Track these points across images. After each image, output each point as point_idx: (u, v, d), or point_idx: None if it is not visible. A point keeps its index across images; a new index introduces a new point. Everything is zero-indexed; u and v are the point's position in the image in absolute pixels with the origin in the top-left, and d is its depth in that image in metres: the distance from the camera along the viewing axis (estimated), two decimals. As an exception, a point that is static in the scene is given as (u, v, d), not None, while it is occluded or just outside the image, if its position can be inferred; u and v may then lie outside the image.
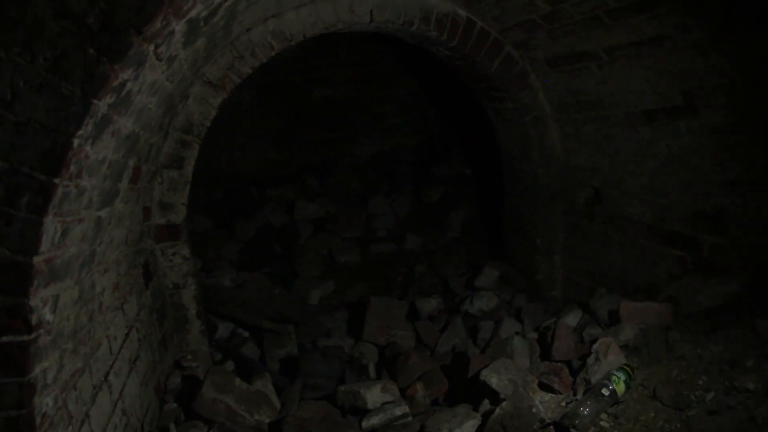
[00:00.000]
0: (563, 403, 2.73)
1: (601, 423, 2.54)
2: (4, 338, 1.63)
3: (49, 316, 1.76)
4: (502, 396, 2.89)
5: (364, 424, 3.08)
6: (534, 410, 2.64)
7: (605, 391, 2.57)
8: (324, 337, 4.19)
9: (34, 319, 1.66)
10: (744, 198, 2.93)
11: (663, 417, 2.43)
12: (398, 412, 3.13)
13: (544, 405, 2.73)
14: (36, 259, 1.62)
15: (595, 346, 2.85)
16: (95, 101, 1.59)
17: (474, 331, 3.93)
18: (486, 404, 3.00)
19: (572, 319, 3.45)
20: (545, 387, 2.89)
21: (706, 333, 2.73)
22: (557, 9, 3.11)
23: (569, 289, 4.16)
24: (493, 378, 2.96)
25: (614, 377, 2.61)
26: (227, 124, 5.35)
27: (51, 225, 1.65)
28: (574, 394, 2.82)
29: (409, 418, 3.14)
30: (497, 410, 2.71)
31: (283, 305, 4.28)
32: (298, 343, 4.05)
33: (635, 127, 3.36)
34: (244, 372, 3.48)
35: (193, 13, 1.93)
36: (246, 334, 4.15)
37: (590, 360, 2.84)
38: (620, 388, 2.59)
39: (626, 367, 2.67)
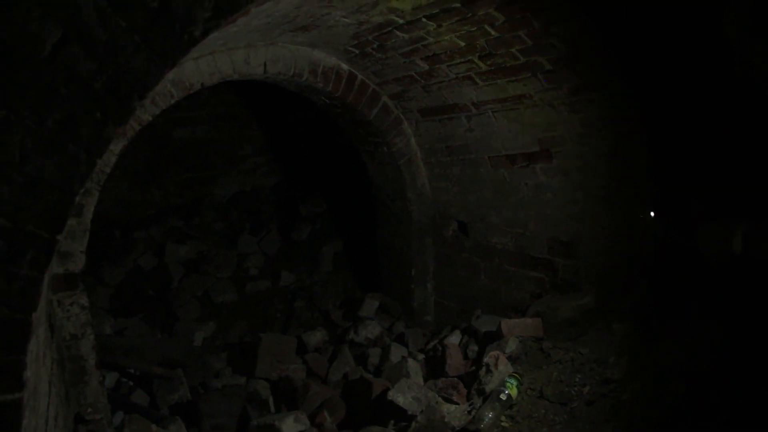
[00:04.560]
0: (467, 412, 3.13)
1: (502, 424, 2.97)
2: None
3: (29, 372, 1.77)
4: (409, 413, 3.22)
5: (282, 454, 3.24)
6: (446, 420, 3.00)
7: (503, 396, 3.01)
8: (214, 378, 4.22)
9: (25, 376, 1.67)
10: (587, 227, 3.59)
11: (552, 412, 2.91)
12: (311, 439, 3.33)
13: (451, 415, 3.10)
14: (34, 316, 1.65)
15: (485, 359, 3.29)
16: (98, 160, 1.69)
17: (362, 358, 4.23)
18: (392, 423, 3.31)
19: (455, 338, 3.89)
20: (446, 400, 3.27)
21: (572, 339, 3.30)
22: (435, 68, 3.59)
23: (440, 314, 4.64)
24: (399, 397, 3.28)
25: (508, 383, 3.07)
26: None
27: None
28: (471, 404, 3.23)
29: (321, 444, 3.35)
30: (413, 424, 3.03)
31: (169, 349, 4.24)
32: (189, 386, 4.05)
33: (498, 169, 3.93)
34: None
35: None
36: (131, 382, 4.06)
37: (482, 372, 3.27)
38: (514, 392, 3.05)
39: (516, 374, 3.15)
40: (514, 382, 3.07)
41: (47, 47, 1.57)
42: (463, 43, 3.24)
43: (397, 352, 4.07)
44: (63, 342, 3.28)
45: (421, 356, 3.91)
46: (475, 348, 3.71)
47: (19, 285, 1.61)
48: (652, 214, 3.14)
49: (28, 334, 1.64)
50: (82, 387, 3.40)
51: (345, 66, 3.95)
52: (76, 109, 1.62)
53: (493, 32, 3.03)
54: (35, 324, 1.68)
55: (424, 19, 3.08)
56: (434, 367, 3.72)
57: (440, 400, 3.21)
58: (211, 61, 3.50)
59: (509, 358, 3.34)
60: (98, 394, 3.46)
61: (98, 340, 4.01)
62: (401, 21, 3.15)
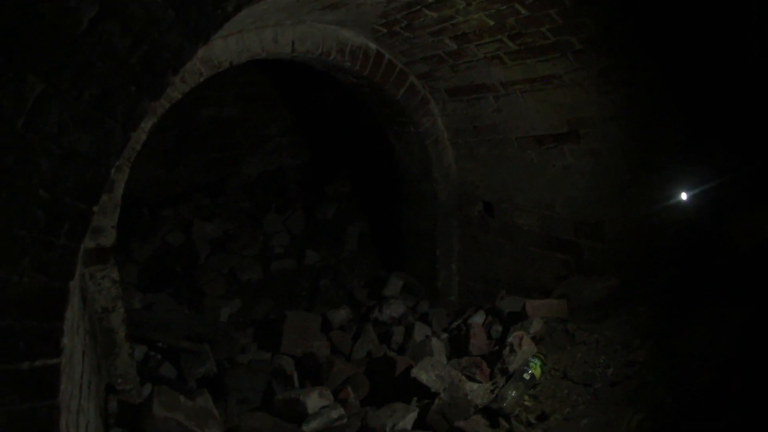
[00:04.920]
0: (489, 390, 3.15)
1: (525, 403, 2.99)
2: (38, 362, 1.68)
3: (66, 339, 1.82)
4: (432, 390, 3.25)
5: (306, 428, 3.29)
6: (469, 398, 3.03)
7: (526, 376, 3.02)
8: (240, 353, 4.29)
9: (62, 342, 1.73)
10: (615, 210, 3.56)
11: (575, 392, 2.92)
12: (335, 414, 3.37)
13: (474, 393, 3.12)
14: (71, 284, 1.70)
15: (509, 339, 3.30)
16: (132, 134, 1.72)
17: (386, 336, 4.26)
18: (415, 400, 3.35)
19: (479, 318, 3.90)
20: (469, 378, 3.29)
21: (597, 321, 3.29)
22: (463, 48, 3.57)
23: (464, 294, 4.65)
24: (422, 375, 3.31)
25: (532, 363, 3.08)
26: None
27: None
28: (494, 382, 3.25)
29: (345, 420, 3.40)
30: (436, 401, 3.06)
31: (196, 324, 4.32)
32: (216, 361, 4.12)
33: (525, 150, 3.90)
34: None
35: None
36: (159, 356, 4.14)
37: (506, 351, 3.28)
38: (537, 372, 3.06)
39: (539, 354, 3.16)
40: (538, 362, 3.08)
41: (84, 22, 1.59)
42: (492, 22, 3.21)
43: (421, 331, 4.10)
44: (95, 315, 3.36)
45: (445, 335, 3.93)
46: (499, 328, 3.72)
47: (56, 254, 1.66)
48: (683, 198, 3.10)
49: (65, 302, 1.69)
50: (113, 359, 3.49)
51: (373, 45, 3.94)
52: (112, 83, 1.65)
53: (523, 11, 3.00)
54: (72, 292, 1.73)
55: (453, -2, 3.06)
56: (458, 347, 3.74)
57: (463, 378, 3.22)
58: (239, 40, 3.51)
59: (533, 338, 3.35)
60: (128, 366, 3.55)
61: (128, 314, 4.12)
62: (430, -1, 3.13)
